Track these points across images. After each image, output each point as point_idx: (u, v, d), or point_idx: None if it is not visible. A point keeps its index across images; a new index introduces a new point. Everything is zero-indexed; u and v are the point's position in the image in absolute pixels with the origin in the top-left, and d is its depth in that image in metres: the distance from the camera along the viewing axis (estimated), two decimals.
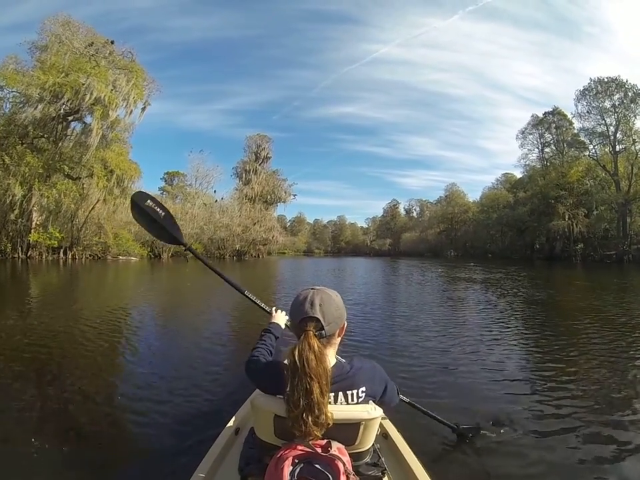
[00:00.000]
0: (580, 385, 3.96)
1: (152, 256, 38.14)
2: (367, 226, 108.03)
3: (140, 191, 2.24)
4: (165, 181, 62.89)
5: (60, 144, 25.75)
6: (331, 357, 1.35)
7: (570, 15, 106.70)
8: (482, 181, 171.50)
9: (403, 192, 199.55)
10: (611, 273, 22.87)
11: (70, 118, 25.68)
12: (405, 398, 2.17)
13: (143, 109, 27.16)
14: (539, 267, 30.51)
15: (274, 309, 2.03)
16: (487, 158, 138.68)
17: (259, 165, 59.42)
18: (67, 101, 22.80)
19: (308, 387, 1.18)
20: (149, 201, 2.13)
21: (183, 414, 3.17)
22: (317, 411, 1.18)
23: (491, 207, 58.75)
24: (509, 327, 6.92)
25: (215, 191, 53.32)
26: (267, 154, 60.72)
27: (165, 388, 3.77)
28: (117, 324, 6.80)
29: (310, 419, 1.18)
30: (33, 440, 2.64)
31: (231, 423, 2.07)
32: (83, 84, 21.80)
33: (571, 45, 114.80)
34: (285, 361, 1.29)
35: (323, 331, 1.28)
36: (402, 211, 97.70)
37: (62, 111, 24.71)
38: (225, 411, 2.58)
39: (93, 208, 29.07)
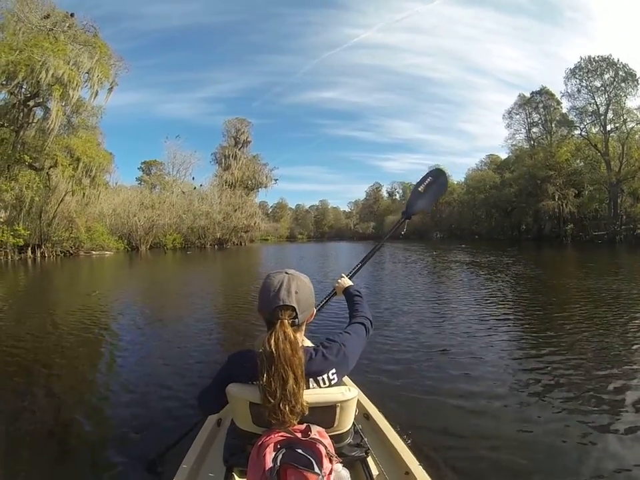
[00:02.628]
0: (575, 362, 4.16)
1: (129, 249, 36.26)
2: (349, 210, 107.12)
3: None
4: (143, 170, 60.09)
5: (22, 132, 22.95)
6: (301, 343, 1.31)
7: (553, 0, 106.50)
8: (463, 164, 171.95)
9: (385, 175, 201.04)
10: (612, 254, 22.15)
11: (31, 103, 22.84)
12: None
13: (110, 89, 24.30)
14: (532, 248, 29.96)
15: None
16: (468, 141, 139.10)
17: (239, 149, 57.25)
18: (23, 80, 20.05)
19: (284, 376, 1.16)
20: None
21: (166, 408, 3.20)
22: (293, 400, 1.17)
23: (477, 188, 58.05)
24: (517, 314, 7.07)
25: (193, 178, 51.68)
26: (247, 138, 58.39)
27: (146, 383, 3.82)
28: (91, 323, 6.64)
29: (287, 408, 1.16)
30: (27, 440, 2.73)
31: (213, 414, 2.01)
32: (39, 60, 19.17)
33: (552, 30, 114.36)
34: (258, 350, 1.26)
35: (297, 319, 1.26)
36: (384, 194, 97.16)
37: (21, 96, 22.14)
38: None
39: (61, 201, 26.79)
